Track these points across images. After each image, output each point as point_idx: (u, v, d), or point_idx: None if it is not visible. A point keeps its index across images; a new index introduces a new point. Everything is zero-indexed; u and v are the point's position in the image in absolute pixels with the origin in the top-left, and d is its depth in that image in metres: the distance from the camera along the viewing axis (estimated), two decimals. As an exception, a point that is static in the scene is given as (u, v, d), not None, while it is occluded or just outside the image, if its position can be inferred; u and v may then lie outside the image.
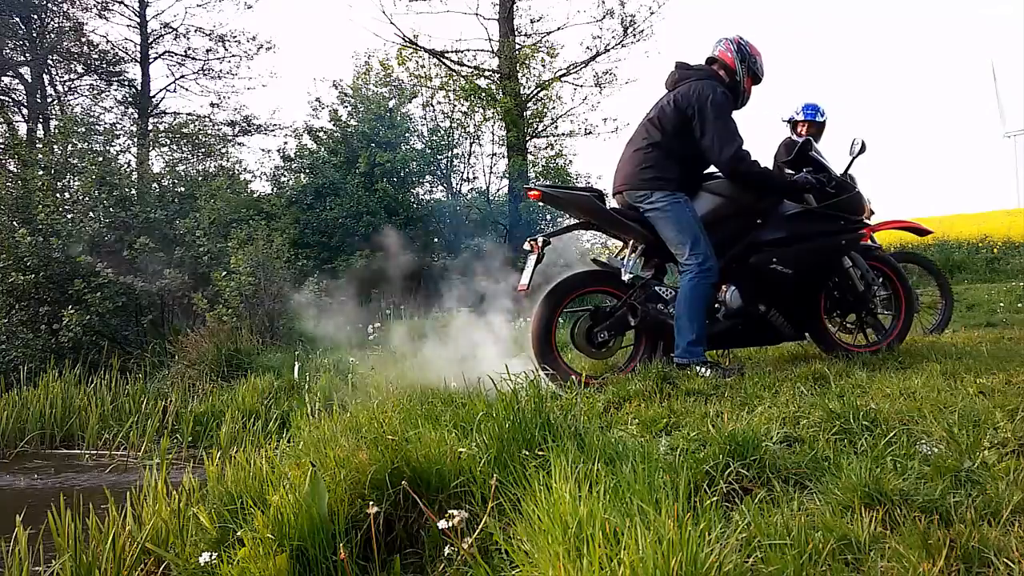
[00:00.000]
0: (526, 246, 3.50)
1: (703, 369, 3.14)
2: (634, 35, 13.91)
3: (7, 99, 15.29)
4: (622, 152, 3.59)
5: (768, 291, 3.42)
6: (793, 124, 5.27)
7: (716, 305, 3.50)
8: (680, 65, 3.53)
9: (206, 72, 16.34)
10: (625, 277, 3.36)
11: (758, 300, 3.43)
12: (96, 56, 15.55)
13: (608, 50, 14.06)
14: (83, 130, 9.84)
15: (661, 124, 3.39)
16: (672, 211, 3.31)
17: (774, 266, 3.37)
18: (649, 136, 3.42)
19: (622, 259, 3.49)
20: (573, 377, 3.24)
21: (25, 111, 15.51)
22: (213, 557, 2.06)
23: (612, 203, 3.62)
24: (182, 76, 16.26)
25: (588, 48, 14.31)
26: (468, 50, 14.57)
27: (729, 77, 3.44)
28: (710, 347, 3.58)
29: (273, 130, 16.68)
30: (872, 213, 4.94)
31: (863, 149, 3.68)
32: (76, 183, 9.29)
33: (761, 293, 3.43)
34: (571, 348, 3.59)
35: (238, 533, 2.10)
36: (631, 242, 3.48)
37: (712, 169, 3.48)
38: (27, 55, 15.04)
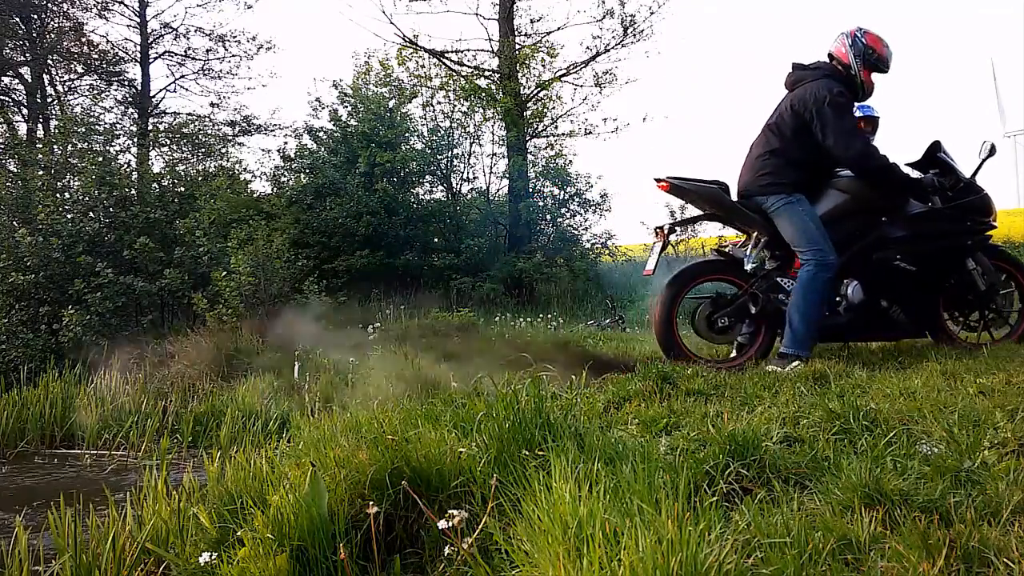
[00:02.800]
0: (652, 234, 3.73)
1: (797, 363, 3.18)
2: (634, 35, 13.91)
3: (7, 99, 15.29)
4: (745, 156, 3.71)
5: (891, 287, 3.50)
6: None
7: (838, 299, 3.61)
8: (796, 66, 3.61)
9: (206, 72, 16.34)
10: (748, 267, 3.50)
11: (880, 295, 3.53)
12: (96, 56, 15.55)
13: (608, 50, 14.06)
14: (83, 130, 9.84)
15: (780, 130, 3.48)
16: (787, 212, 3.41)
17: (898, 263, 3.45)
18: (769, 143, 3.52)
19: (745, 250, 3.60)
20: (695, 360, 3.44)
21: (25, 111, 15.50)
22: (213, 557, 2.06)
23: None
24: (182, 76, 16.27)
25: (588, 48, 14.31)
26: (468, 50, 14.58)
27: (844, 71, 3.49)
28: (832, 340, 3.73)
29: (273, 130, 16.69)
30: None
31: (992, 152, 3.72)
32: (76, 183, 9.29)
33: (883, 288, 3.52)
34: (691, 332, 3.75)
35: (238, 533, 2.10)
36: (754, 235, 3.59)
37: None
38: (27, 55, 15.03)
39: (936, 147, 3.64)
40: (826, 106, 3.31)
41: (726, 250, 3.78)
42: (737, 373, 3.25)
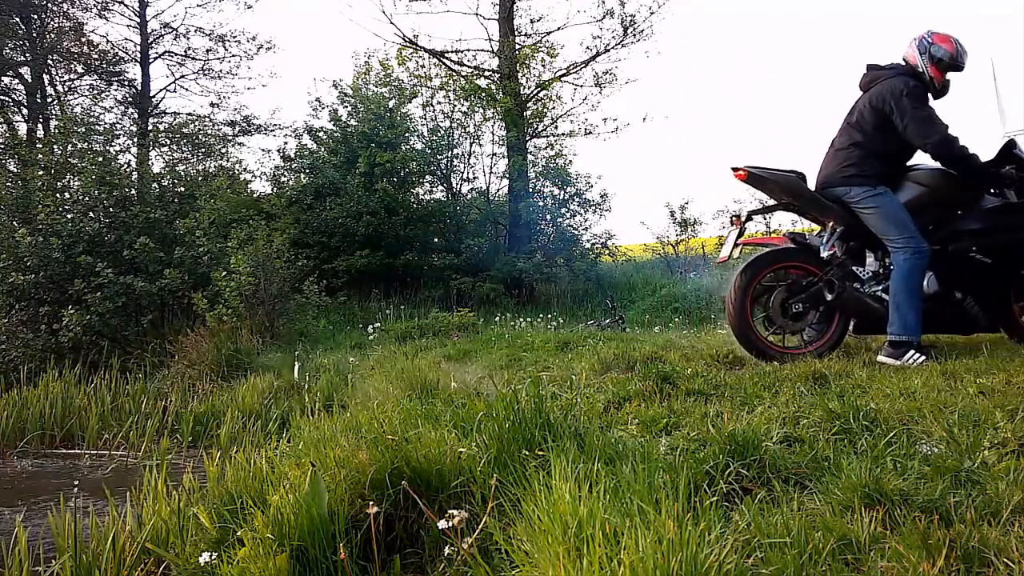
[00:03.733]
0: (728, 221, 3.77)
1: (915, 355, 3.22)
2: (634, 35, 13.91)
3: (7, 99, 15.29)
4: (826, 151, 3.77)
5: (965, 279, 3.54)
6: None
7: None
8: (871, 67, 3.69)
9: (206, 72, 16.36)
10: (824, 254, 3.56)
11: (955, 287, 3.55)
12: (96, 56, 15.56)
13: (608, 50, 14.07)
14: (83, 130, 9.83)
15: (861, 126, 3.57)
16: (874, 203, 3.48)
17: (973, 255, 3.49)
18: (851, 137, 3.60)
19: (821, 239, 3.65)
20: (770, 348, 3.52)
21: (25, 111, 15.50)
22: (213, 557, 2.06)
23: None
24: (182, 76, 16.29)
25: (588, 48, 14.33)
26: (468, 50, 14.59)
27: (915, 71, 3.55)
28: None
29: (273, 130, 16.72)
30: None
31: None
32: (76, 183, 9.28)
33: (958, 281, 3.55)
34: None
35: (238, 533, 2.10)
36: (830, 224, 3.64)
37: (912, 161, 3.65)
38: (27, 55, 15.03)
39: (1012, 144, 3.69)
40: (904, 97, 3.41)
41: (802, 237, 3.83)
42: (794, 362, 3.28)
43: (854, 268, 3.62)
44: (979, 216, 3.55)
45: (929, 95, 3.52)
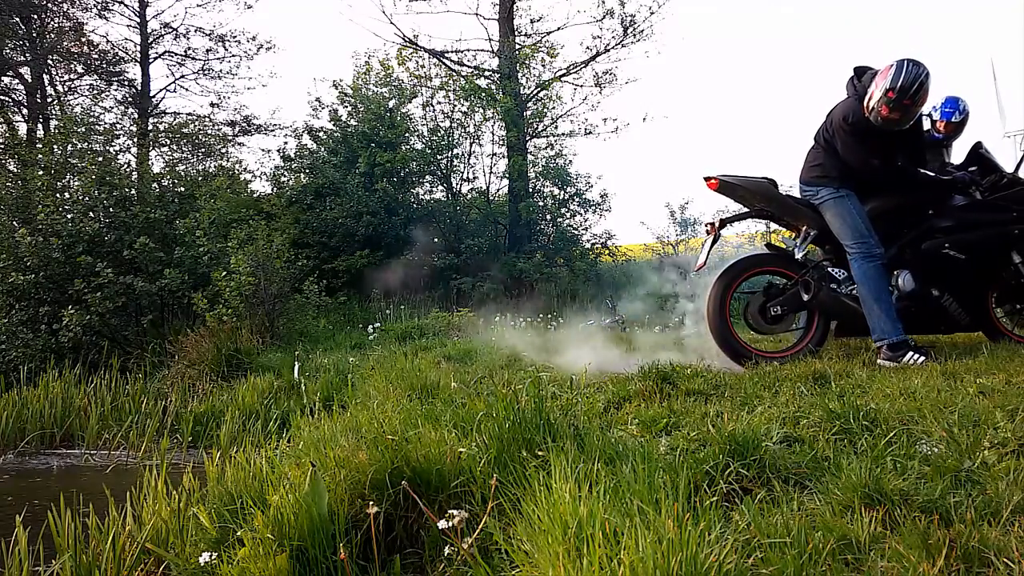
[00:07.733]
0: (704, 228, 3.82)
1: (914, 355, 3.24)
2: (634, 35, 13.92)
3: (7, 99, 15.28)
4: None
5: (940, 276, 3.60)
6: (932, 120, 4.92)
7: (889, 290, 3.65)
8: (856, 71, 3.65)
9: (206, 72, 16.33)
10: (798, 255, 3.64)
11: (931, 284, 3.61)
12: (96, 56, 15.53)
13: (608, 50, 14.07)
14: (83, 130, 9.82)
15: (826, 132, 3.63)
16: (836, 206, 3.54)
17: (946, 251, 3.56)
18: (818, 139, 3.69)
19: (795, 243, 3.72)
20: (749, 351, 3.56)
21: (25, 111, 15.49)
22: (213, 557, 2.06)
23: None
24: (182, 76, 16.26)
25: (588, 48, 14.34)
26: (468, 50, 14.60)
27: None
28: None
29: (273, 130, 16.68)
30: None
31: None
32: (76, 183, 9.28)
33: (934, 278, 3.61)
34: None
35: (238, 533, 2.10)
36: (804, 228, 3.70)
37: None
38: (27, 55, 15.01)
39: (978, 146, 3.78)
40: (840, 129, 3.48)
41: (777, 244, 3.87)
42: (754, 369, 3.27)
43: (830, 269, 3.66)
44: (951, 214, 3.62)
45: (870, 124, 3.40)
